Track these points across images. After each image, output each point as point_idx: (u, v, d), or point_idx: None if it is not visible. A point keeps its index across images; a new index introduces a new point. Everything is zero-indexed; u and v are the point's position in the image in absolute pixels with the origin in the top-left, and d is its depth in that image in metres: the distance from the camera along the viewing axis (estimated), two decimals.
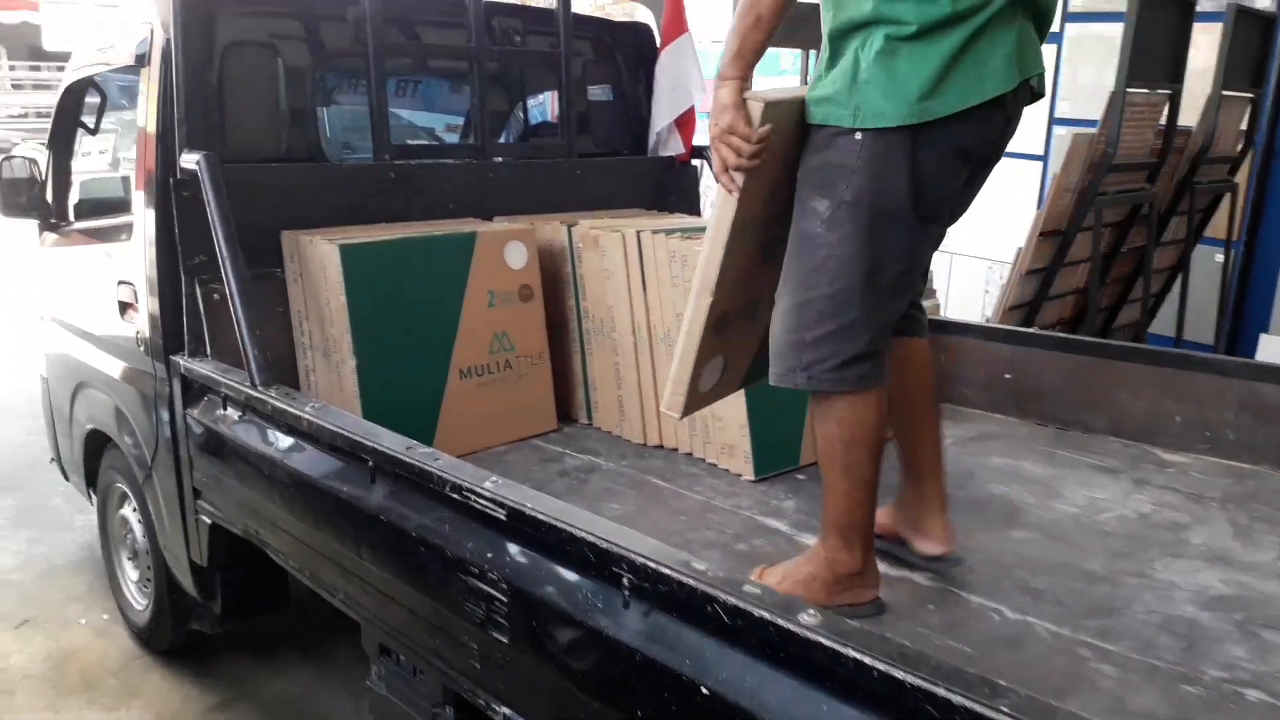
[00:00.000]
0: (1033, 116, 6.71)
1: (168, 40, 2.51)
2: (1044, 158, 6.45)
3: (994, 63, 1.55)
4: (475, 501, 1.62)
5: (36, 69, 18.58)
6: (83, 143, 3.40)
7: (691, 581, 1.28)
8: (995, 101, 1.57)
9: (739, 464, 2.39)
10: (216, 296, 2.48)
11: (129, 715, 2.91)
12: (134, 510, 3.11)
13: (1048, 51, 6.24)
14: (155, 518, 2.88)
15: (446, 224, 2.77)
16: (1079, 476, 2.44)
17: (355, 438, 1.90)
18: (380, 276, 2.41)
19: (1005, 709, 0.98)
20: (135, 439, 2.85)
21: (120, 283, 2.78)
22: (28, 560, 3.82)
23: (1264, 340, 4.52)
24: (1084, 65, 6.06)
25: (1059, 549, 2.04)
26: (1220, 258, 5.16)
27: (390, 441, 1.85)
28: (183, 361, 2.50)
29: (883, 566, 1.88)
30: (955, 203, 1.71)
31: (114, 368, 2.92)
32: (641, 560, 1.33)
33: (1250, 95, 4.53)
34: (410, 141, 3.32)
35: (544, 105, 3.83)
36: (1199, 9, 4.01)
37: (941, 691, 1.02)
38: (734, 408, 2.36)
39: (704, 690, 1.26)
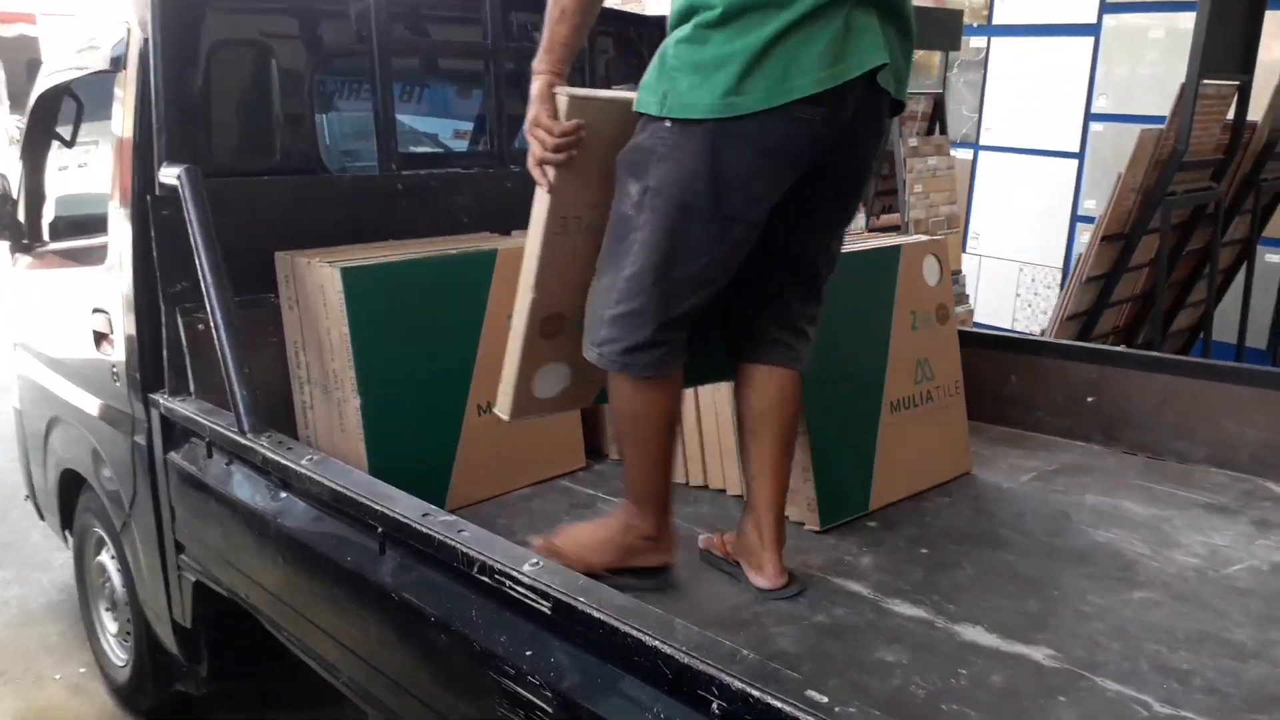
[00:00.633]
0: (1067, 112, 6.44)
1: (146, 40, 2.20)
2: (1080, 155, 6.14)
3: (806, 60, 1.48)
4: (511, 588, 1.32)
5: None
6: (59, 156, 3.11)
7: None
8: (811, 101, 1.50)
9: (800, 512, 2.08)
10: (201, 327, 2.18)
11: None
12: (112, 558, 2.81)
13: (1082, 45, 6.00)
14: (134, 569, 2.57)
15: (461, 240, 2.46)
16: (1189, 518, 2.12)
17: (361, 500, 1.59)
18: (388, 302, 2.10)
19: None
20: (112, 483, 2.55)
21: (94, 310, 2.48)
22: (1, 604, 3.52)
23: None
24: (1121, 58, 5.75)
25: (1192, 614, 1.73)
26: (1277, 258, 4.86)
27: (404, 506, 1.54)
28: (163, 400, 2.20)
29: (993, 638, 1.61)
30: (793, 210, 1.65)
31: (89, 403, 2.62)
32: (738, 685, 1.02)
33: None
34: (415, 149, 3.01)
35: None
36: None
37: None
38: (798, 445, 2.05)
39: None
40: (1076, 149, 6.17)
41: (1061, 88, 6.14)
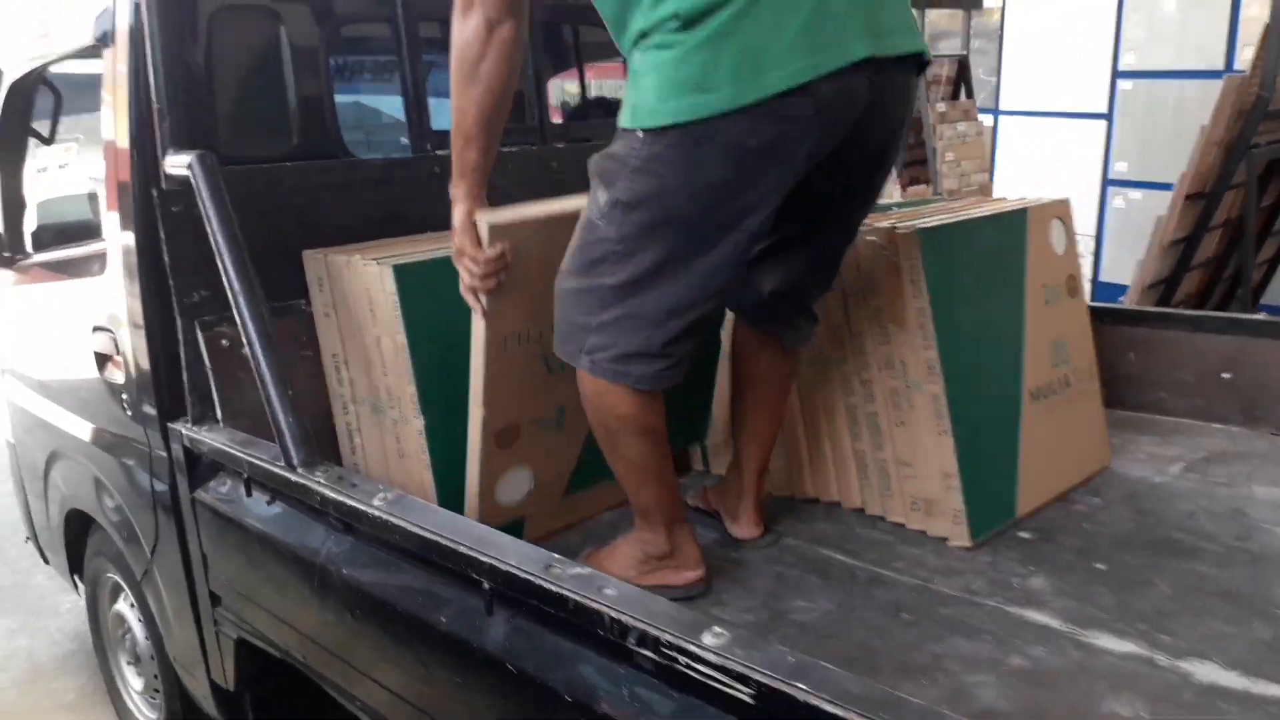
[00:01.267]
0: (1092, 71, 6.17)
1: (137, 6, 1.87)
2: (1108, 116, 5.86)
3: (774, 51, 1.33)
4: (688, 668, 1.02)
5: None
6: (37, 156, 2.77)
7: None
8: (798, 93, 1.33)
9: (943, 525, 1.79)
10: (225, 343, 1.87)
11: None
12: (132, 607, 2.49)
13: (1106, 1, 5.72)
14: (160, 622, 2.26)
15: None
16: None
17: (460, 549, 1.29)
18: (448, 304, 1.77)
19: None
20: (128, 527, 2.23)
21: (95, 329, 2.15)
22: (6, 658, 3.18)
23: None
24: (1147, 6, 5.48)
25: None
26: None
27: (518, 556, 1.24)
28: (186, 431, 1.88)
29: (1235, 677, 1.33)
30: (807, 200, 1.52)
31: (94, 435, 2.29)
32: None
33: None
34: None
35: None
36: None
37: None
38: (933, 449, 1.77)
39: None
40: (1104, 109, 5.90)
41: (1085, 45, 5.87)
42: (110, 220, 2.01)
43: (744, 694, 0.97)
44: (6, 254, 2.65)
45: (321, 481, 1.55)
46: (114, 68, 1.94)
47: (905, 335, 1.75)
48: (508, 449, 1.76)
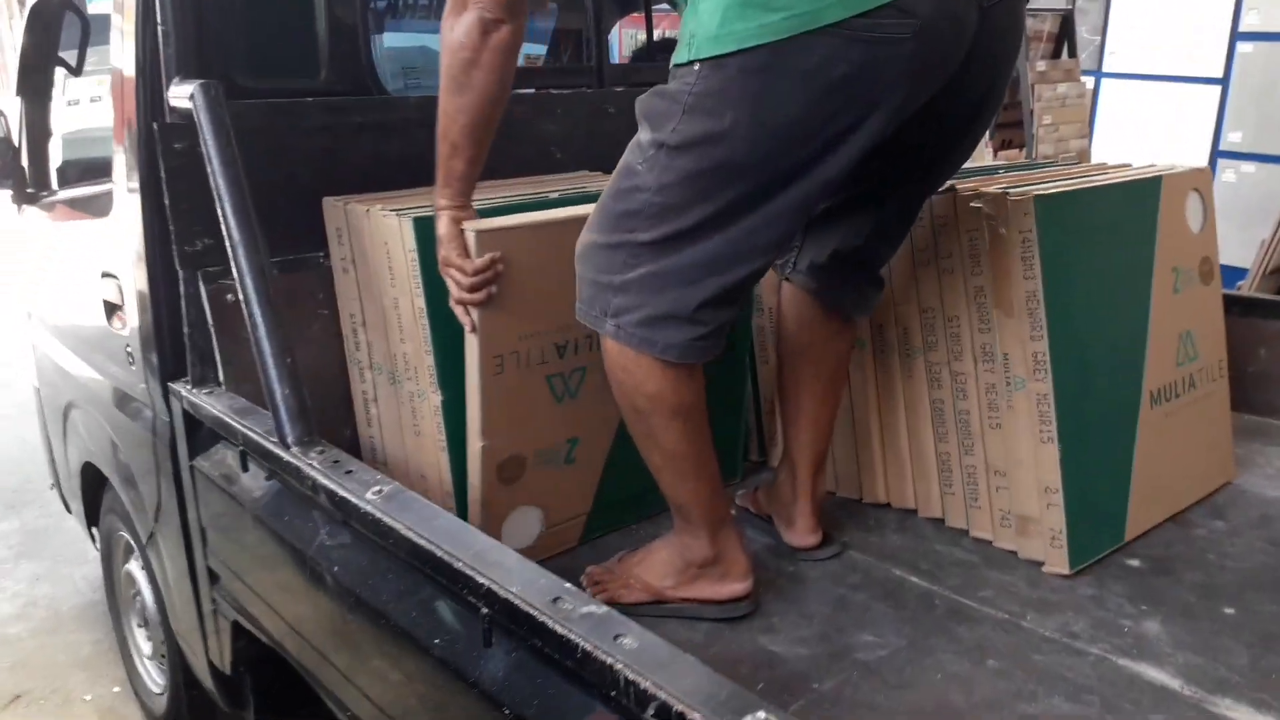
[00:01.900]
0: (1210, 32, 5.68)
1: None
2: (1223, 81, 5.39)
3: None
4: None
5: None
6: (66, 87, 2.61)
7: None
8: (887, 9, 1.11)
9: (1037, 547, 1.53)
10: (230, 298, 1.67)
11: None
12: (142, 569, 2.34)
13: None
14: (165, 593, 2.11)
15: (555, 181, 1.91)
16: None
17: (457, 565, 1.07)
18: None
19: None
20: (133, 488, 2.07)
21: (103, 275, 1.98)
22: (28, 606, 3.09)
23: None
24: None
25: None
26: None
27: (521, 582, 1.01)
28: (185, 392, 1.70)
29: None
30: (894, 150, 1.30)
31: (105, 388, 2.13)
32: None
33: None
34: None
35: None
36: None
37: None
38: (1033, 458, 1.50)
39: None
40: (1220, 74, 5.41)
41: (1202, 3, 5.39)
42: (117, 157, 1.82)
43: None
44: (30, 189, 2.50)
45: (315, 465, 1.34)
46: None
47: (1010, 322, 1.48)
48: (511, 485, 1.59)
